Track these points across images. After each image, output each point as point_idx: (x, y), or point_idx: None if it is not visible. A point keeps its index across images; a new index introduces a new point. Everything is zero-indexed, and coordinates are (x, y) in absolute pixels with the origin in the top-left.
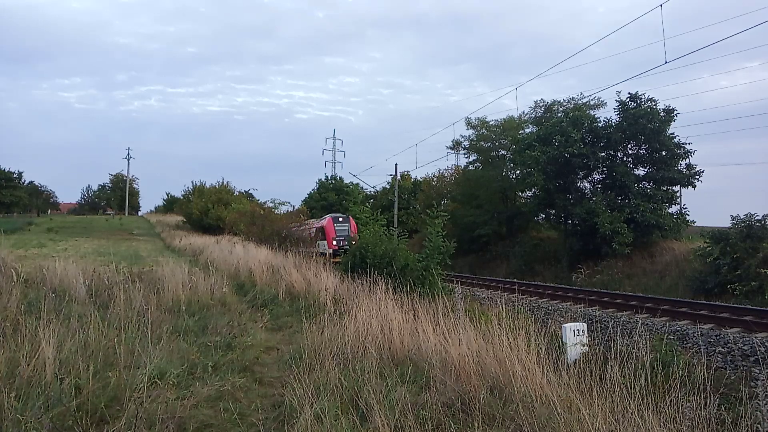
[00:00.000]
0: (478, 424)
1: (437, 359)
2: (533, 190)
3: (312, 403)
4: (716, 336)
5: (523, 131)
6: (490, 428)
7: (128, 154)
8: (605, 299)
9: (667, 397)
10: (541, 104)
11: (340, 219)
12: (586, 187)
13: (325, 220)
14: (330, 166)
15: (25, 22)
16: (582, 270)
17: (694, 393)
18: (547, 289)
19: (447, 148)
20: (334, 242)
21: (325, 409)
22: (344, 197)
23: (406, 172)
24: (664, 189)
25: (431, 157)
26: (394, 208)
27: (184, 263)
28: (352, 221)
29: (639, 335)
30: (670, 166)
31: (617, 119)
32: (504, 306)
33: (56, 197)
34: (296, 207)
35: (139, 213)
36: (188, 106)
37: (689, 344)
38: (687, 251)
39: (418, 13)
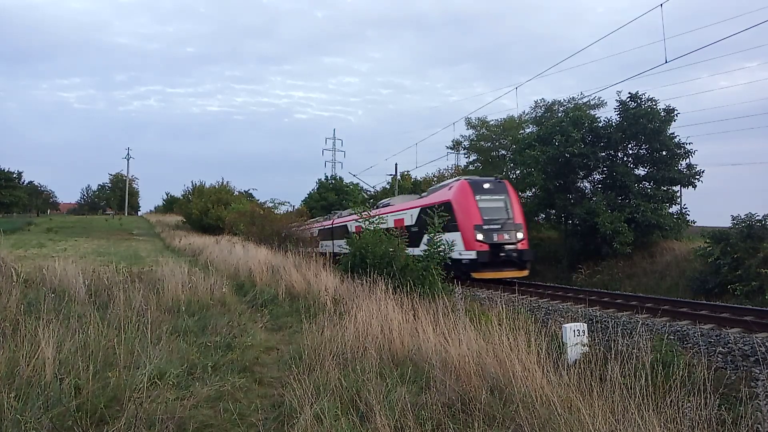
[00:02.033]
0: (479, 424)
1: (437, 359)
2: (533, 189)
3: (312, 404)
4: (717, 336)
5: (523, 131)
6: (490, 428)
7: (128, 154)
8: (605, 299)
9: (667, 397)
10: (541, 104)
11: (486, 186)
12: (586, 187)
13: (453, 190)
14: (330, 166)
15: (24, 22)
16: (582, 270)
17: (694, 393)
18: (547, 289)
19: (447, 148)
20: (481, 235)
21: (325, 410)
22: (344, 197)
23: (406, 172)
24: (665, 189)
25: (431, 157)
26: None
27: (183, 263)
28: (512, 189)
29: (639, 335)
30: (671, 166)
31: (617, 119)
32: (504, 306)
33: (56, 197)
34: (296, 207)
35: (139, 213)
36: (187, 106)
37: (689, 344)
38: (687, 251)
39: (418, 14)
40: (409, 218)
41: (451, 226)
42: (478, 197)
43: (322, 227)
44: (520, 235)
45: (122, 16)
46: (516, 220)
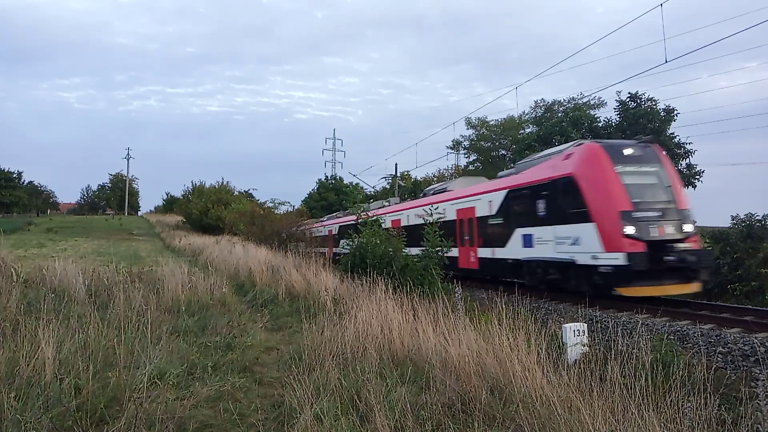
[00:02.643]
0: (478, 424)
1: (437, 359)
2: None
3: (312, 404)
4: (716, 336)
5: (523, 131)
6: (490, 428)
7: (128, 154)
8: (605, 299)
9: (667, 397)
10: (541, 104)
11: (629, 152)
12: None
13: (576, 159)
14: (330, 166)
15: (24, 22)
16: None
17: (694, 393)
18: (547, 289)
19: (447, 148)
20: (631, 228)
21: (325, 410)
22: (344, 197)
23: (406, 172)
24: None
25: (431, 156)
26: None
27: (183, 263)
28: (666, 157)
29: (639, 335)
30: None
31: (617, 119)
32: (504, 306)
33: (56, 197)
34: (296, 207)
35: (139, 213)
36: (188, 107)
37: (689, 344)
38: None
39: (418, 14)
40: (485, 206)
41: (574, 214)
42: (619, 168)
43: (343, 224)
44: (689, 228)
45: (122, 16)
46: (680, 205)
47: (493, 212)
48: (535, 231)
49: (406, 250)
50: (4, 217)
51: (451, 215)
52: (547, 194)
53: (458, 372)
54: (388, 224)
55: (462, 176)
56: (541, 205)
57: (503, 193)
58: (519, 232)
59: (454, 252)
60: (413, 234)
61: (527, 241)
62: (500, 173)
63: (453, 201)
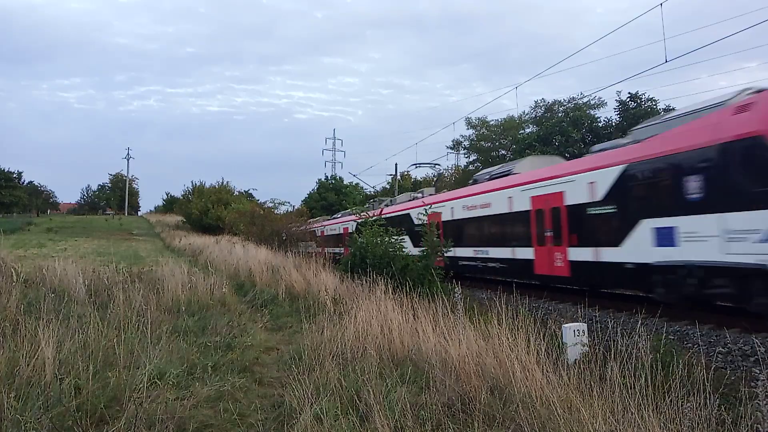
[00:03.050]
0: (478, 424)
1: (437, 359)
2: None
3: (312, 404)
4: (716, 336)
5: (523, 131)
6: (490, 428)
7: (128, 154)
8: (605, 299)
9: (667, 397)
10: (541, 104)
11: None
12: None
13: (762, 109)
14: (330, 166)
15: (24, 23)
16: None
17: (694, 393)
18: (546, 289)
19: (447, 148)
20: None
21: (324, 410)
22: (344, 198)
23: (406, 172)
24: None
25: (431, 156)
26: None
27: (183, 263)
28: None
29: (639, 335)
30: None
31: (618, 119)
32: (504, 306)
33: (56, 197)
34: (296, 207)
35: (139, 213)
36: (187, 107)
37: (689, 344)
38: None
39: (417, 14)
40: (583, 190)
41: (766, 193)
42: None
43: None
44: None
45: (122, 16)
46: None
47: (598, 198)
48: (681, 222)
49: (451, 251)
50: (4, 217)
51: (521, 205)
52: (706, 167)
53: (458, 372)
54: (421, 219)
55: (530, 156)
56: (692, 184)
57: (617, 169)
58: (647, 225)
59: (528, 253)
60: (461, 231)
61: (664, 236)
62: (596, 147)
63: (525, 186)
